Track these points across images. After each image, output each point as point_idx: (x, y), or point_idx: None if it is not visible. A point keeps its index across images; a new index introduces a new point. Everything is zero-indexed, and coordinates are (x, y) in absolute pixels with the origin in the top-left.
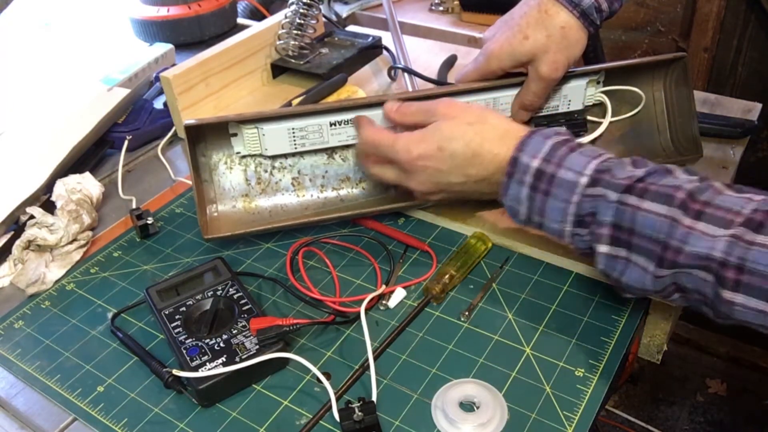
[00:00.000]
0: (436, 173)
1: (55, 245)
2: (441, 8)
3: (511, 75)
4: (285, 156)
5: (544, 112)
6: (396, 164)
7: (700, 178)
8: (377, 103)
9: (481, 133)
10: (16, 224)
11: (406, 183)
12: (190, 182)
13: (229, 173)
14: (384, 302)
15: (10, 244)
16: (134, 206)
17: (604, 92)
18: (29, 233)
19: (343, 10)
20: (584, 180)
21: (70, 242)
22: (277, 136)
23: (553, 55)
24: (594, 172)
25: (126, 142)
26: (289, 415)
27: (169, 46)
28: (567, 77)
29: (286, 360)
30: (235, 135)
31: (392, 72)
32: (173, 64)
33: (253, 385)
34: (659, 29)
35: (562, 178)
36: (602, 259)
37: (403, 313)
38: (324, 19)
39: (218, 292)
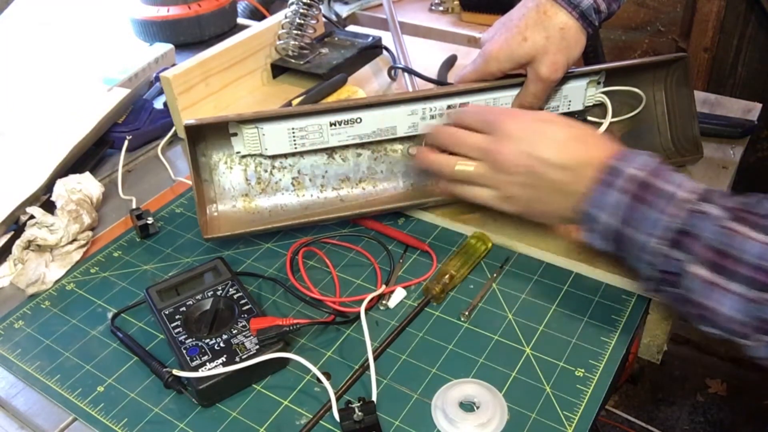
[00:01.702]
0: (530, 143)
1: (55, 245)
2: (441, 8)
3: (511, 76)
4: (285, 156)
5: None
6: (488, 131)
7: None
8: (377, 103)
9: (585, 127)
10: (16, 224)
11: (491, 150)
12: (190, 182)
13: (229, 173)
14: (384, 302)
15: (10, 244)
16: (134, 206)
17: (604, 93)
18: (29, 233)
19: (343, 10)
20: (687, 195)
21: (70, 242)
22: (277, 136)
23: (552, 56)
24: (698, 189)
25: (126, 142)
26: (289, 415)
27: (169, 46)
28: (567, 78)
29: (286, 360)
30: (235, 135)
31: (392, 72)
32: (173, 64)
33: (253, 385)
34: (659, 29)
35: (662, 189)
36: (691, 282)
37: (403, 313)
38: (324, 19)
39: (218, 292)
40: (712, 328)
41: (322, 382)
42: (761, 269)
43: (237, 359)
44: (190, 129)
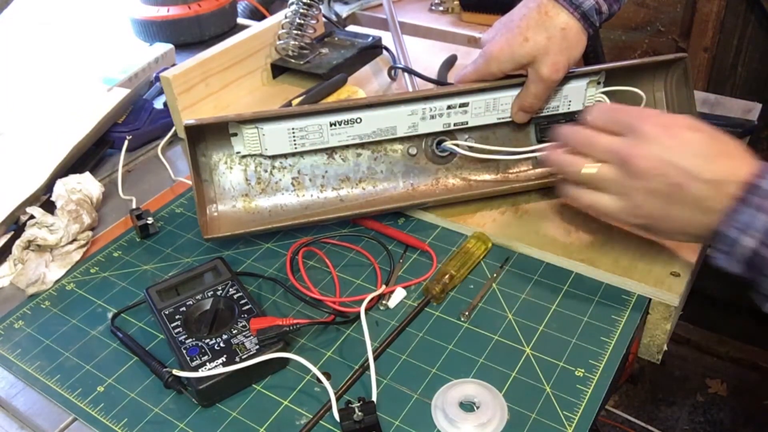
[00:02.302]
0: (671, 150)
1: (55, 245)
2: (441, 8)
3: (512, 76)
4: (285, 156)
5: (545, 113)
6: (624, 133)
7: None
8: (377, 104)
9: (729, 139)
10: (16, 224)
11: (626, 152)
12: (190, 182)
13: (229, 173)
14: (384, 302)
15: (10, 244)
16: (134, 206)
17: (604, 93)
18: (29, 233)
19: (343, 10)
20: None
21: (70, 242)
22: (277, 136)
23: (553, 57)
24: None
25: (126, 142)
26: (289, 415)
27: (169, 46)
28: (567, 78)
29: (286, 360)
30: (235, 135)
31: (392, 72)
32: (173, 64)
33: (253, 385)
34: (659, 29)
35: None
36: None
37: (403, 313)
38: (324, 19)
39: (218, 292)
40: None
41: (322, 382)
42: None
43: (237, 359)
44: (190, 129)
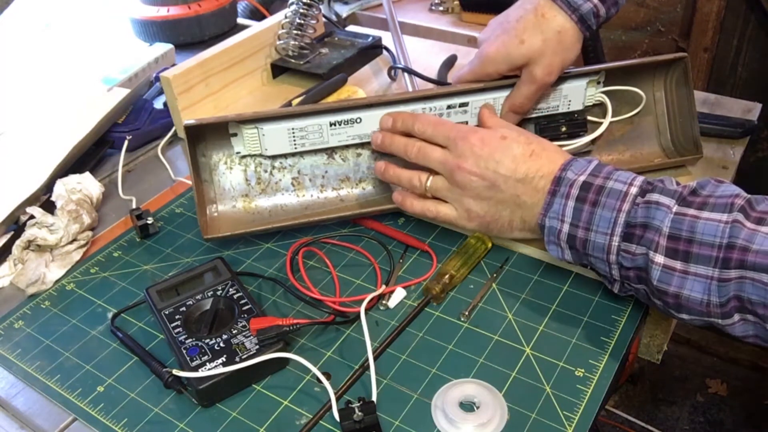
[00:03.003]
0: (487, 158)
1: (55, 245)
2: (441, 8)
3: (509, 76)
4: (285, 156)
5: (545, 113)
6: (448, 147)
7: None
8: (377, 104)
9: (542, 142)
10: (16, 224)
11: (453, 164)
12: (190, 182)
13: (229, 173)
14: (384, 302)
15: (10, 244)
16: (134, 206)
17: (604, 92)
18: (29, 233)
19: (343, 10)
20: (634, 190)
21: (70, 242)
22: (277, 136)
23: (548, 59)
24: (643, 182)
25: (126, 142)
26: (289, 415)
27: (169, 46)
28: (567, 77)
29: (286, 360)
30: (235, 135)
31: (392, 72)
32: (173, 64)
33: (253, 385)
34: (659, 29)
35: (610, 188)
36: (657, 272)
37: (403, 313)
38: (324, 19)
39: (218, 292)
40: (689, 314)
41: (322, 382)
42: (717, 246)
43: (237, 359)
44: (190, 129)
